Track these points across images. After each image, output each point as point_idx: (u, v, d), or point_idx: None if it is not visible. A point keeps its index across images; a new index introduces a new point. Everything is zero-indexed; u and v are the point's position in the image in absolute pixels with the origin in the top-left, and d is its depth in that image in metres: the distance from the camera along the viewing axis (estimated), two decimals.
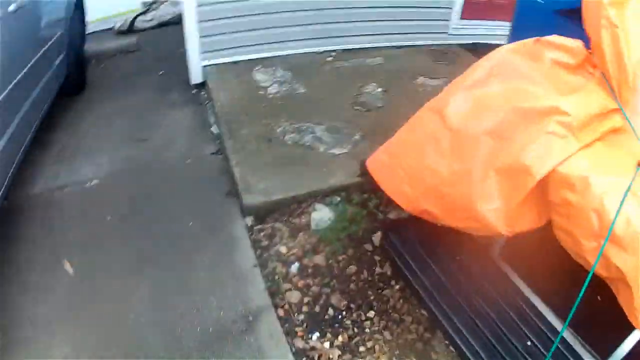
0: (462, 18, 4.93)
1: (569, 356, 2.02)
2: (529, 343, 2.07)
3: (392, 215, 3.11)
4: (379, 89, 4.16)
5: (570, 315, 1.76)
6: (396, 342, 2.40)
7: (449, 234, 2.24)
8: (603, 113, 1.85)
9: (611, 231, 1.65)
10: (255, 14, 4.12)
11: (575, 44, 2.04)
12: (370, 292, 2.65)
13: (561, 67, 2.12)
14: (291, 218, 3.09)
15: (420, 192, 2.17)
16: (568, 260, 1.85)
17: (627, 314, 1.69)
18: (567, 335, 2.09)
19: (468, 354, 2.08)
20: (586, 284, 1.71)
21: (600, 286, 1.77)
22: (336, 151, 3.47)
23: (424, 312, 2.47)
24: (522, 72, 2.08)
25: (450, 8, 4.81)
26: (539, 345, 2.06)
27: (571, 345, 2.06)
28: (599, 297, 1.98)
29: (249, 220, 3.02)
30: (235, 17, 4.08)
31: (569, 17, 3.66)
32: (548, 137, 1.84)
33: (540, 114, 1.91)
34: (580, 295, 1.70)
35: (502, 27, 5.01)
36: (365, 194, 3.18)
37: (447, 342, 2.29)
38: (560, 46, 2.06)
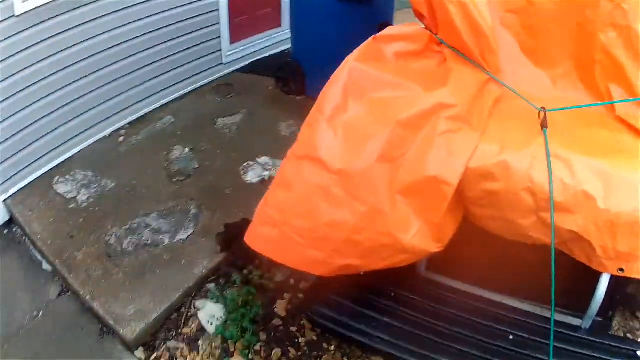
0: (232, 43, 4.68)
1: (557, 329, 1.93)
2: (510, 337, 1.92)
3: (278, 278, 2.72)
4: (186, 149, 3.69)
5: (553, 292, 1.65)
6: None
7: (365, 279, 1.93)
8: (480, 89, 1.77)
9: (553, 202, 1.59)
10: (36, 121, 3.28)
11: (412, 28, 1.93)
12: None
13: (408, 58, 2.02)
14: (180, 329, 2.54)
15: (331, 250, 1.83)
16: (493, 245, 1.74)
17: (590, 264, 1.68)
18: (539, 311, 2.01)
19: None
20: (553, 258, 1.63)
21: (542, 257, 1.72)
22: (182, 236, 2.98)
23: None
24: (375, 81, 1.92)
25: (219, 37, 4.51)
26: (521, 334, 1.92)
27: (548, 318, 1.99)
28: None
29: (140, 353, 2.45)
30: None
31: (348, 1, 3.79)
32: (444, 138, 1.69)
33: (424, 117, 1.76)
34: (553, 272, 1.62)
35: (275, 35, 5.05)
36: (240, 267, 2.74)
37: None
38: (398, 36, 1.94)
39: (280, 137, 3.87)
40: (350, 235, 1.77)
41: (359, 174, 1.74)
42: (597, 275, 1.71)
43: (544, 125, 1.73)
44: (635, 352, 1.95)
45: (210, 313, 2.56)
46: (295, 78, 4.28)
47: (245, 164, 3.55)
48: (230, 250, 2.82)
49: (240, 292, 2.61)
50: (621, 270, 1.66)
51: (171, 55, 4.12)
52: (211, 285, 2.74)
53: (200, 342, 2.46)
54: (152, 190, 3.29)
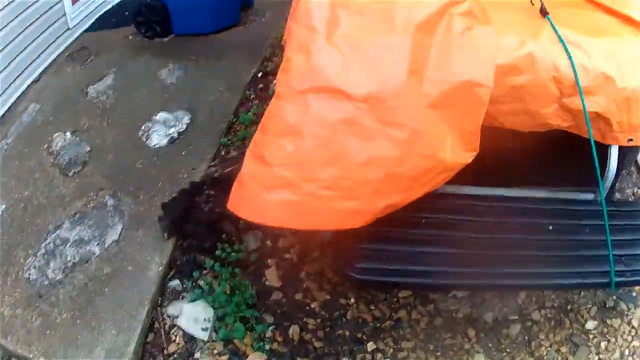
0: (74, 3, 3.71)
1: (579, 207, 1.98)
2: (550, 227, 1.87)
3: (253, 245, 2.31)
4: (68, 134, 2.91)
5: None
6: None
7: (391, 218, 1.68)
8: None
9: (580, 86, 1.56)
10: None
11: None
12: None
13: None
14: (166, 350, 2.00)
15: (370, 194, 1.52)
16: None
17: (603, 141, 1.72)
18: (556, 194, 2.01)
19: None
20: (592, 142, 1.63)
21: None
22: (112, 237, 2.33)
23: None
24: None
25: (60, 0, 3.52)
26: (561, 223, 1.90)
27: (568, 199, 2.02)
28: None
29: None
30: None
31: None
32: (464, 37, 1.51)
33: (438, 18, 1.51)
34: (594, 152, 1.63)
35: None
36: (207, 248, 2.23)
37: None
38: None
39: (167, 86, 3.31)
40: (391, 169, 1.48)
41: (393, 96, 1.43)
42: (588, 152, 1.75)
43: (544, 12, 1.68)
44: None
45: (192, 316, 2.07)
46: (159, 18, 3.72)
47: (143, 128, 2.93)
48: (184, 233, 2.28)
49: (221, 278, 2.15)
50: (630, 140, 1.73)
51: (15, 37, 3.11)
52: (174, 283, 2.21)
53: (197, 355, 1.98)
54: (51, 195, 2.50)
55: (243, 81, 3.35)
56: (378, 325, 2.08)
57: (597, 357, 2.04)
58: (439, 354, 2.02)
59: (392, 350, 2.01)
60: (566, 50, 1.55)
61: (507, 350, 2.04)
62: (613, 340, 2.08)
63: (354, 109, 1.43)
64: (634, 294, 2.22)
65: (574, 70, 1.54)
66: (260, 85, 3.39)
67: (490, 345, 2.06)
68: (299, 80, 1.47)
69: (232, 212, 1.59)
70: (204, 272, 2.21)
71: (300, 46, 1.49)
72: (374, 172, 1.48)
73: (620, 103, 1.63)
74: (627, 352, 2.06)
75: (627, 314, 2.16)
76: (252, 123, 2.97)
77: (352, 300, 2.13)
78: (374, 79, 1.43)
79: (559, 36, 1.57)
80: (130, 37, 3.83)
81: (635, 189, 2.75)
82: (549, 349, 2.05)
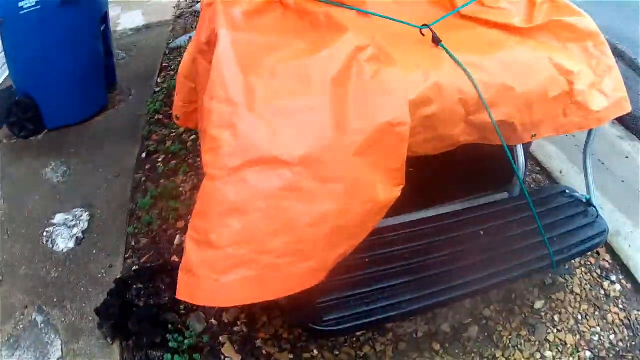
0: None
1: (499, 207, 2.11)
2: (481, 232, 2.02)
3: (199, 327, 2.23)
4: None
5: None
6: None
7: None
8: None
9: (484, 101, 1.70)
10: None
11: None
12: None
13: (254, 16, 1.78)
14: None
15: (321, 250, 1.54)
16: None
17: (509, 142, 1.83)
18: (474, 202, 2.14)
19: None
20: (505, 147, 1.77)
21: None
22: (55, 356, 2.09)
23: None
24: (265, 46, 1.63)
25: None
26: (490, 226, 2.05)
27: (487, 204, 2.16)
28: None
29: None
30: None
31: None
32: (375, 81, 1.58)
33: (348, 67, 1.57)
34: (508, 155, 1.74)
35: None
36: (150, 343, 2.10)
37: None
38: None
39: (55, 185, 3.10)
40: (337, 221, 1.50)
41: (325, 152, 1.46)
42: (490, 159, 1.93)
43: (437, 41, 1.80)
44: (564, 191, 2.34)
45: None
46: (30, 115, 3.50)
47: (45, 234, 2.72)
48: (128, 333, 2.13)
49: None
50: (534, 135, 1.91)
51: None
52: None
53: None
54: None
55: (129, 165, 3.22)
56: None
57: (554, 330, 2.24)
58: None
59: None
60: (466, 72, 1.68)
61: (474, 350, 2.17)
62: (563, 310, 2.31)
63: (291, 174, 1.43)
64: (566, 266, 2.47)
65: (477, 89, 1.66)
66: (148, 166, 3.27)
67: (457, 351, 2.17)
68: (230, 157, 1.44)
69: (186, 301, 1.52)
70: None
71: (224, 122, 1.47)
72: (321, 229, 1.49)
73: (522, 106, 1.78)
74: (579, 316, 2.30)
75: (567, 284, 2.40)
76: (152, 206, 2.89)
77: (315, 351, 2.13)
78: (304, 140, 1.45)
79: (456, 61, 1.69)
80: (4, 141, 3.54)
81: (534, 175, 3.08)
82: (509, 336, 2.21)
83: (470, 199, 2.25)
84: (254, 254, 1.45)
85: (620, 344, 2.23)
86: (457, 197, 2.27)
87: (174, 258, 2.54)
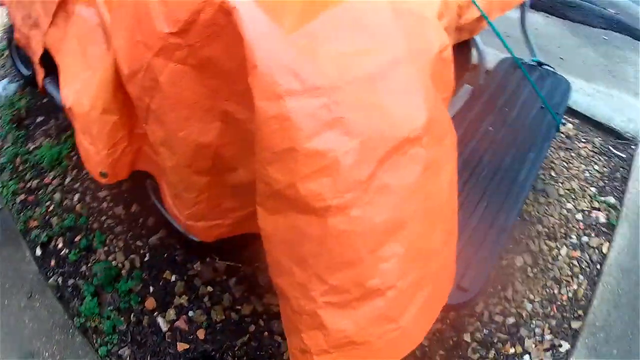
0: None
1: None
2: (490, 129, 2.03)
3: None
4: None
5: None
6: None
7: None
8: None
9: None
10: None
11: None
12: None
13: None
14: None
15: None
16: None
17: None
18: None
19: None
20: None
21: None
22: None
23: None
24: None
25: None
26: None
27: None
28: None
29: None
30: None
31: None
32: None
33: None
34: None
35: None
36: None
37: None
38: None
39: None
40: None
41: (432, 110, 1.19)
42: None
43: None
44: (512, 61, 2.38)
45: None
46: None
47: None
48: None
49: None
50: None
51: None
52: None
53: None
54: None
55: (34, 276, 2.20)
56: None
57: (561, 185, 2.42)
58: None
59: None
60: None
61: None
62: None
63: (424, 150, 1.14)
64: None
65: None
66: (53, 262, 2.27)
67: None
68: (359, 167, 1.05)
69: None
70: None
71: (321, 123, 1.05)
72: (453, 196, 1.25)
73: None
74: (564, 164, 2.51)
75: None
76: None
77: None
78: (417, 108, 1.16)
79: None
80: None
81: None
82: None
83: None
84: (424, 266, 1.15)
85: (605, 169, 2.53)
86: None
87: None
